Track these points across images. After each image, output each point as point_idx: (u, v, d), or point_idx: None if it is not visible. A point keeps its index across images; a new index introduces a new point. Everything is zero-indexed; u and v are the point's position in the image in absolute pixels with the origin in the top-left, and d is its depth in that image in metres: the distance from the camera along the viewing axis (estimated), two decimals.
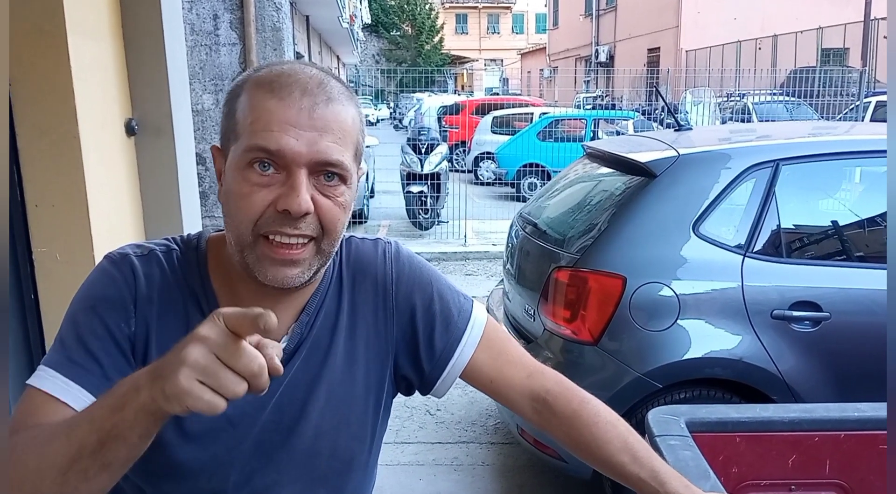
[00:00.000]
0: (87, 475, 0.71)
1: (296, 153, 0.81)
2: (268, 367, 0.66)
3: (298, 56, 8.62)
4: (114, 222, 2.69)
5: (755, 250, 2.59)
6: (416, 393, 1.07)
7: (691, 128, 3.51)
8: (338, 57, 23.82)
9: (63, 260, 2.46)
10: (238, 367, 0.64)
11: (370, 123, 24.95)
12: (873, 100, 11.24)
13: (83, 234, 2.47)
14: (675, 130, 3.36)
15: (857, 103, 11.36)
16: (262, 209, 0.82)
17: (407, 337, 1.01)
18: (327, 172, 0.84)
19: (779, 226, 2.64)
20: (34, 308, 2.51)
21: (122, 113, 2.83)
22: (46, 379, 0.83)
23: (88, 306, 0.87)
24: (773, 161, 2.66)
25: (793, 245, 2.73)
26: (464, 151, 13.74)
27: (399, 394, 1.07)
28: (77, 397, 0.82)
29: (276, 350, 0.67)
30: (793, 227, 2.72)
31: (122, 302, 0.87)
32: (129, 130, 2.85)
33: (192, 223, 3.03)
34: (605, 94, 19.32)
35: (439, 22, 46.31)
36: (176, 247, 0.94)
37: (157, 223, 2.93)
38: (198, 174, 3.36)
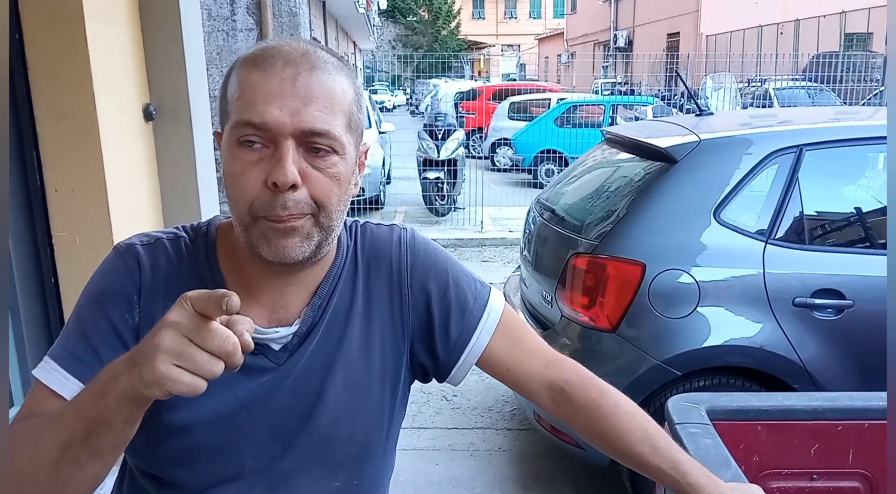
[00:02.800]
0: (79, 462, 0.73)
1: (279, 123, 0.79)
2: (240, 344, 0.67)
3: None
4: (132, 206, 2.71)
5: (777, 237, 2.55)
6: (434, 380, 1.06)
7: (712, 113, 3.46)
8: (354, 42, 23.76)
9: (82, 244, 2.48)
10: (212, 348, 0.65)
11: (386, 110, 24.88)
12: None
13: (102, 218, 2.48)
14: (696, 115, 3.31)
15: (881, 89, 11.16)
16: (257, 189, 0.80)
17: (422, 324, 0.99)
18: (316, 144, 0.82)
19: (801, 212, 2.59)
20: (54, 291, 2.54)
21: (140, 98, 2.84)
22: (49, 372, 0.84)
23: (92, 299, 0.88)
24: (797, 146, 2.61)
25: (815, 231, 2.68)
26: (480, 137, 13.69)
27: (416, 381, 1.05)
28: (74, 391, 0.82)
29: (246, 325, 0.68)
30: (815, 214, 2.68)
31: (126, 293, 0.87)
32: (147, 115, 2.86)
33: (209, 207, 3.05)
34: (623, 80, 19.14)
35: (456, 7, 46.02)
36: (184, 235, 0.93)
37: (175, 207, 2.95)
38: (215, 159, 3.37)
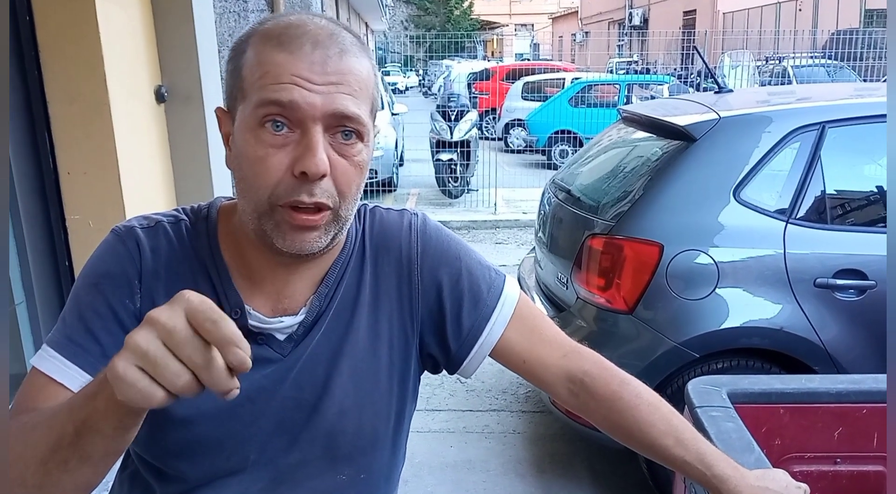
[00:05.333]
0: (67, 466, 0.68)
1: (310, 105, 0.75)
2: (233, 363, 0.57)
3: None
4: (145, 189, 2.70)
5: (798, 216, 2.50)
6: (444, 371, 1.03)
7: (732, 91, 3.39)
8: (366, 23, 23.65)
9: (96, 227, 2.48)
10: (182, 356, 0.57)
11: (399, 91, 24.76)
12: None
13: (115, 201, 2.48)
14: (716, 93, 3.25)
15: None
16: (280, 175, 0.76)
17: (433, 314, 0.95)
18: (344, 129, 0.78)
19: (823, 191, 2.54)
20: (69, 274, 2.54)
21: (152, 80, 2.82)
22: (46, 360, 0.80)
23: (91, 283, 0.84)
24: (819, 123, 2.55)
25: (837, 211, 2.63)
26: (494, 118, 13.60)
27: (426, 371, 1.02)
28: (75, 378, 0.79)
29: (237, 356, 0.58)
30: (837, 193, 2.62)
31: (126, 277, 0.84)
32: (159, 97, 2.85)
33: (222, 189, 3.04)
34: (639, 59, 18.91)
35: None
36: (185, 218, 0.89)
37: (188, 189, 2.94)
38: None
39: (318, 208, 0.78)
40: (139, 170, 2.64)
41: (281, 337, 0.87)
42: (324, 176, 0.76)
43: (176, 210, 0.91)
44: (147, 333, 0.58)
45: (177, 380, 0.57)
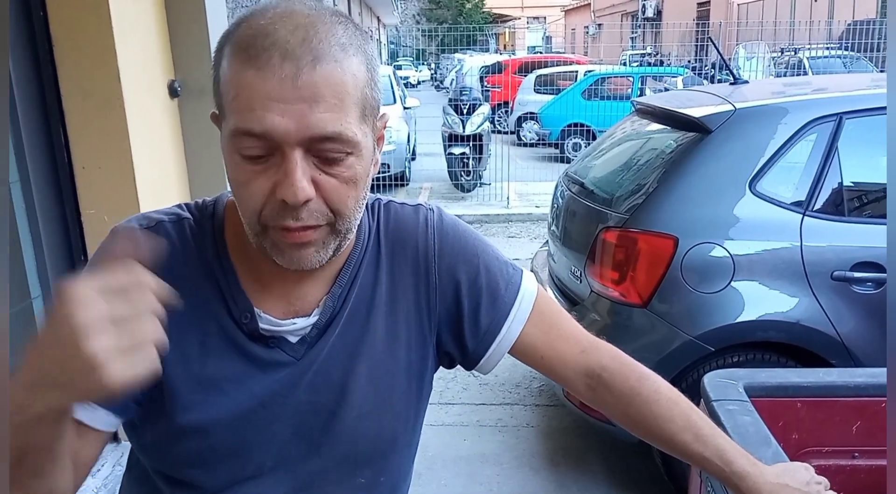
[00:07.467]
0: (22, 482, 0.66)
1: (283, 132, 0.69)
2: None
3: None
4: (159, 183, 2.71)
5: (815, 208, 2.48)
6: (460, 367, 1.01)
7: (747, 82, 3.36)
8: (378, 18, 23.64)
9: (111, 221, 2.47)
10: (144, 305, 0.58)
11: (411, 85, 24.70)
12: None
13: (130, 196, 2.49)
14: (731, 84, 3.22)
15: None
16: (263, 199, 0.73)
17: (451, 312, 0.92)
18: (328, 151, 0.72)
19: (841, 183, 2.51)
20: None
21: (165, 74, 2.82)
22: None
23: None
24: (836, 114, 2.52)
25: (855, 203, 2.60)
26: (506, 112, 13.55)
27: (440, 366, 1.00)
28: None
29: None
30: (855, 185, 2.59)
31: None
32: (173, 92, 2.85)
33: None
34: (652, 51, 18.78)
35: None
36: (188, 216, 0.85)
37: (202, 183, 2.95)
38: None
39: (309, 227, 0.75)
40: (153, 165, 2.64)
41: (293, 339, 0.84)
42: (307, 201, 0.72)
43: (178, 207, 0.87)
44: (95, 324, 0.56)
45: (157, 332, 0.59)
